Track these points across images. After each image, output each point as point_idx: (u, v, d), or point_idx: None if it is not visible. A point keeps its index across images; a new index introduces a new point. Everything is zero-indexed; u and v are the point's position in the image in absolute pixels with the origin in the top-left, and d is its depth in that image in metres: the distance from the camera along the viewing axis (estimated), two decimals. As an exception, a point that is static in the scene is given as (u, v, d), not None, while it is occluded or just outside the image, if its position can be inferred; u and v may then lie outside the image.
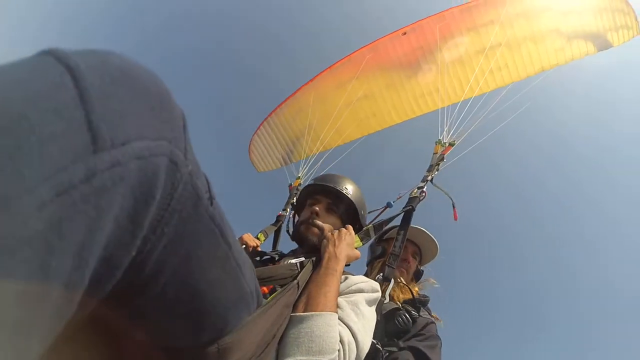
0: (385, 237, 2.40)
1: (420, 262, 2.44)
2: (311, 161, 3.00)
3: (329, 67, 3.37)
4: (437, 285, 2.36)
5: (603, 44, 3.55)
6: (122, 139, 0.38)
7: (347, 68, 3.33)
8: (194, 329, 0.68)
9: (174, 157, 0.46)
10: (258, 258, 1.74)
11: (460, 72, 3.46)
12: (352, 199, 1.78)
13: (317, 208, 1.72)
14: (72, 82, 0.34)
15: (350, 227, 1.65)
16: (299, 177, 2.88)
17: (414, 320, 1.84)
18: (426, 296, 2.16)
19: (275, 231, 2.38)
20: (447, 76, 3.30)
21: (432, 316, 2.02)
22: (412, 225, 2.26)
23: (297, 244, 1.75)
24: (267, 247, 2.16)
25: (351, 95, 3.24)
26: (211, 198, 0.59)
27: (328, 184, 1.79)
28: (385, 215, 2.07)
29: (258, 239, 2.12)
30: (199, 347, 0.72)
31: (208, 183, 0.60)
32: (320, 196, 1.80)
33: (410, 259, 2.35)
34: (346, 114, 3.22)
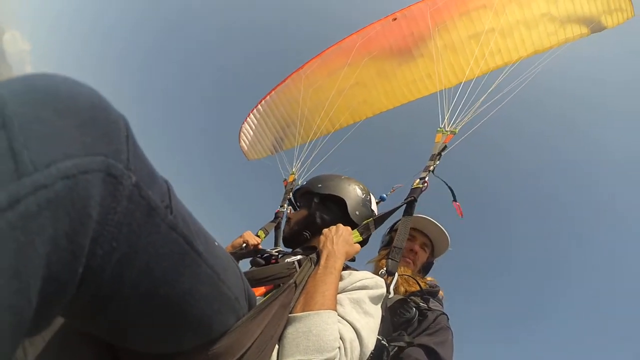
0: (395, 227, 2.32)
1: (433, 254, 2.35)
2: (304, 156, 2.97)
3: (319, 54, 3.32)
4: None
5: (597, 27, 3.53)
6: (46, 161, 0.38)
7: (338, 55, 3.27)
8: (174, 338, 0.69)
9: (112, 171, 0.46)
10: (259, 256, 1.73)
11: (452, 58, 3.41)
12: (306, 185, 1.87)
13: (289, 212, 1.92)
14: None
15: (345, 226, 1.60)
16: (293, 172, 2.86)
17: (423, 313, 1.80)
18: (436, 286, 2.09)
19: (275, 228, 2.36)
20: (439, 62, 3.27)
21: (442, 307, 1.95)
22: (423, 216, 2.25)
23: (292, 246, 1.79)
24: (268, 245, 2.16)
25: (343, 82, 3.20)
26: (170, 207, 0.58)
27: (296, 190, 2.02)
28: (386, 208, 1.99)
29: (258, 236, 2.10)
30: (187, 354, 0.73)
31: (169, 190, 0.60)
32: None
33: (418, 249, 2.26)
34: (339, 102, 3.18)
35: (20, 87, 0.40)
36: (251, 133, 3.67)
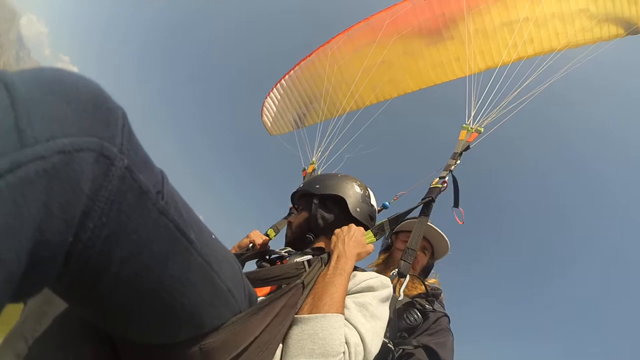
0: (394, 229, 2.29)
1: (432, 258, 2.35)
2: (324, 146, 2.92)
3: (346, 30, 3.29)
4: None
5: (635, 30, 3.40)
6: (46, 136, 0.43)
7: (365, 32, 3.24)
8: (165, 326, 0.71)
9: (105, 152, 0.50)
10: (267, 257, 1.71)
11: (483, 44, 3.33)
12: (303, 187, 1.81)
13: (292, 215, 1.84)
14: (6, 94, 0.42)
15: (357, 226, 1.57)
16: (313, 161, 2.81)
17: (425, 315, 1.80)
18: (438, 289, 2.09)
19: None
20: (469, 46, 3.20)
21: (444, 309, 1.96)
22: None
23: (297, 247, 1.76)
24: (278, 245, 2.05)
25: (369, 60, 3.16)
26: (162, 193, 0.61)
27: (293, 194, 1.94)
28: (400, 208, 1.96)
29: (267, 235, 2.06)
30: (180, 346, 0.75)
31: (163, 179, 0.64)
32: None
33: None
34: (363, 80, 3.14)
35: (31, 76, 0.46)
36: (274, 108, 3.65)
